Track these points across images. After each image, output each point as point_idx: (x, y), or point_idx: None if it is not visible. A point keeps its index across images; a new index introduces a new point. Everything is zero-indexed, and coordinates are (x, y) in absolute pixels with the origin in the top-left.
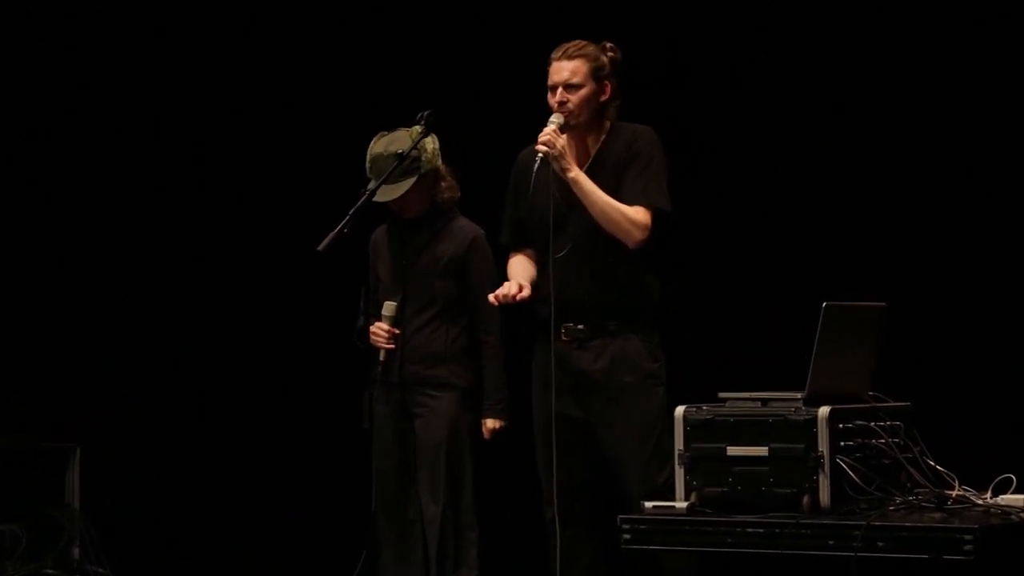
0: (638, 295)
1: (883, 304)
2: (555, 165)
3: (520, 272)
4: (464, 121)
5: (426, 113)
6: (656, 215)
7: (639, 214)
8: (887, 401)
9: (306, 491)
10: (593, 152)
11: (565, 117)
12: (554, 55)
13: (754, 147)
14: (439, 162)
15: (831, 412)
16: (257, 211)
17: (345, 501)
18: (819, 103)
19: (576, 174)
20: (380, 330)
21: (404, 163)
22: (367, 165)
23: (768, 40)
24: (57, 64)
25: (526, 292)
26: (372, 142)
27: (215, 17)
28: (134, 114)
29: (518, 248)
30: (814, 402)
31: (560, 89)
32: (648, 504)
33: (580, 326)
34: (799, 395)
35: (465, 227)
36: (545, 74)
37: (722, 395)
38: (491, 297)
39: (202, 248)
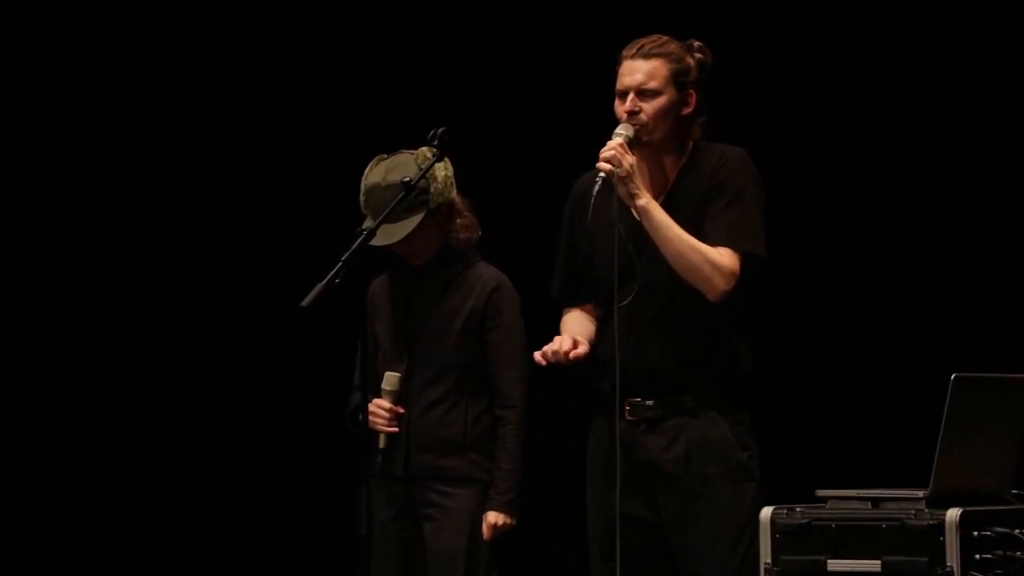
0: (725, 363)
1: None
2: (620, 189)
3: (575, 329)
4: (486, 139)
5: (439, 131)
6: (745, 261)
7: (724, 257)
8: None
9: None
10: (670, 180)
11: (636, 130)
12: (626, 52)
13: (864, 182)
14: (453, 193)
15: (963, 516)
16: (257, 211)
17: None
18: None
19: (647, 202)
20: (380, 409)
21: (409, 196)
22: (361, 198)
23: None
24: (57, 64)
25: (582, 349)
26: (368, 169)
27: (215, 17)
28: (134, 114)
29: (574, 302)
30: (941, 502)
31: (632, 95)
32: None
33: (649, 402)
34: (921, 493)
35: (486, 274)
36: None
37: (821, 493)
38: (537, 355)
39: (201, 248)
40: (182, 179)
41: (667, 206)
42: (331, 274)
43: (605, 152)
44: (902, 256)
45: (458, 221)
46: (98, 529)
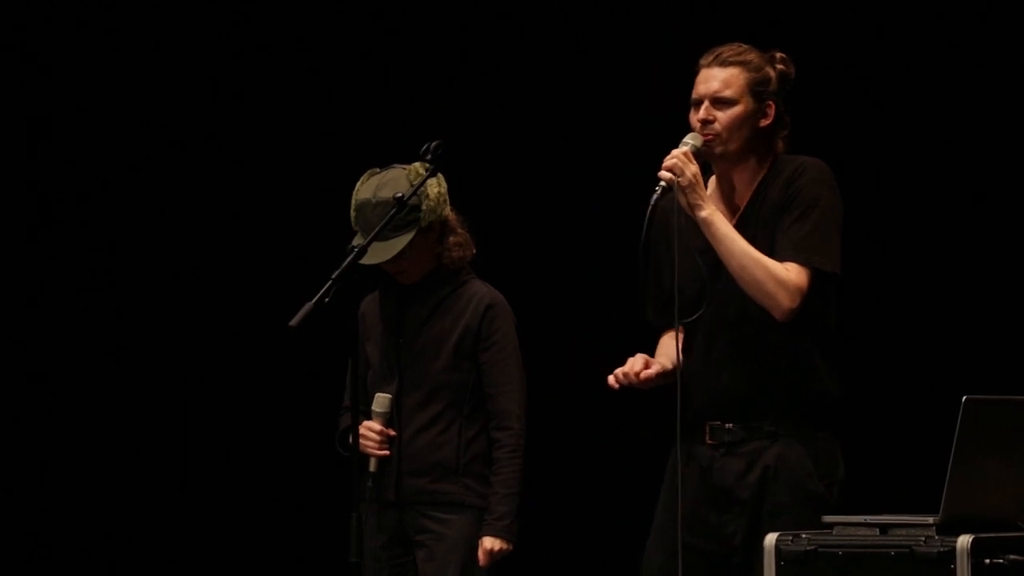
0: (807, 385)
1: None
2: (681, 199)
3: (665, 352)
4: (481, 152)
5: (433, 145)
6: (816, 277)
7: (791, 273)
8: None
9: None
10: (748, 196)
11: (707, 140)
12: (703, 61)
13: (870, 196)
14: (446, 211)
15: (975, 543)
16: (242, 226)
17: None
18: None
19: (709, 213)
20: (370, 432)
21: (400, 213)
22: (351, 214)
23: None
24: (57, 64)
25: (655, 369)
26: (358, 184)
27: (214, 19)
28: (132, 118)
29: (664, 325)
30: (951, 529)
31: (706, 104)
32: None
33: (729, 425)
34: (931, 519)
35: (480, 292)
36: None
37: (827, 519)
38: (610, 378)
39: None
40: (169, 193)
41: (744, 221)
42: (320, 293)
43: (668, 160)
44: (910, 273)
45: (451, 239)
46: (86, 545)
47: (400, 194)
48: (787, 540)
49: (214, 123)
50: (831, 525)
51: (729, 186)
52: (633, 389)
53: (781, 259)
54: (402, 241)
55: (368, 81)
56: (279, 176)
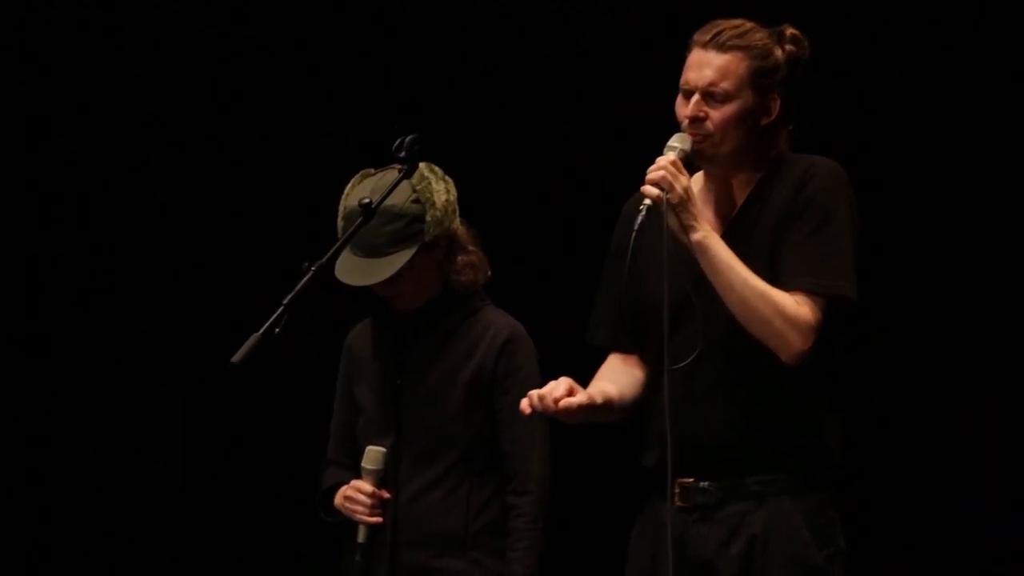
0: (804, 438)
1: None
2: (671, 220)
3: (605, 378)
4: (488, 150)
5: (408, 140)
6: (830, 307)
7: (802, 308)
8: None
9: None
10: (741, 201)
11: (696, 142)
12: (698, 37)
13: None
14: (455, 223)
15: None
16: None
17: None
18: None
19: (704, 236)
20: (359, 493)
21: (397, 225)
22: (340, 223)
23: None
24: (57, 64)
25: (579, 399)
26: (349, 187)
27: (214, 19)
28: (132, 118)
29: (617, 348)
30: None
31: (696, 97)
32: None
33: (704, 484)
34: None
35: (497, 323)
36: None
37: None
38: (523, 403)
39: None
40: (169, 193)
41: (735, 232)
42: (269, 322)
43: (653, 172)
44: (917, 276)
45: (460, 258)
46: (86, 545)
47: (368, 200)
48: None
49: (214, 123)
50: None
51: (719, 189)
52: (546, 414)
53: (790, 286)
54: (402, 258)
55: (368, 81)
56: (279, 176)
